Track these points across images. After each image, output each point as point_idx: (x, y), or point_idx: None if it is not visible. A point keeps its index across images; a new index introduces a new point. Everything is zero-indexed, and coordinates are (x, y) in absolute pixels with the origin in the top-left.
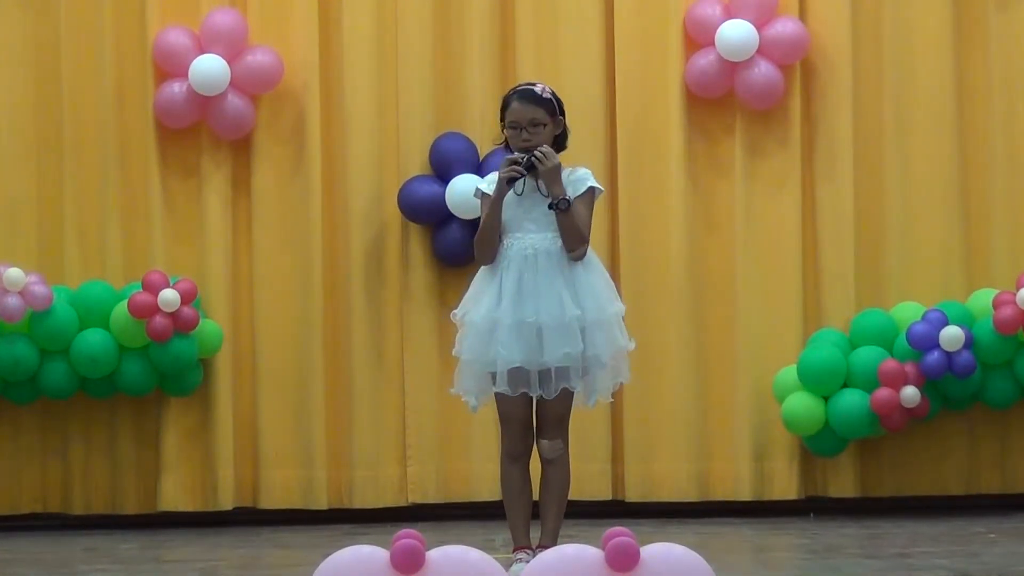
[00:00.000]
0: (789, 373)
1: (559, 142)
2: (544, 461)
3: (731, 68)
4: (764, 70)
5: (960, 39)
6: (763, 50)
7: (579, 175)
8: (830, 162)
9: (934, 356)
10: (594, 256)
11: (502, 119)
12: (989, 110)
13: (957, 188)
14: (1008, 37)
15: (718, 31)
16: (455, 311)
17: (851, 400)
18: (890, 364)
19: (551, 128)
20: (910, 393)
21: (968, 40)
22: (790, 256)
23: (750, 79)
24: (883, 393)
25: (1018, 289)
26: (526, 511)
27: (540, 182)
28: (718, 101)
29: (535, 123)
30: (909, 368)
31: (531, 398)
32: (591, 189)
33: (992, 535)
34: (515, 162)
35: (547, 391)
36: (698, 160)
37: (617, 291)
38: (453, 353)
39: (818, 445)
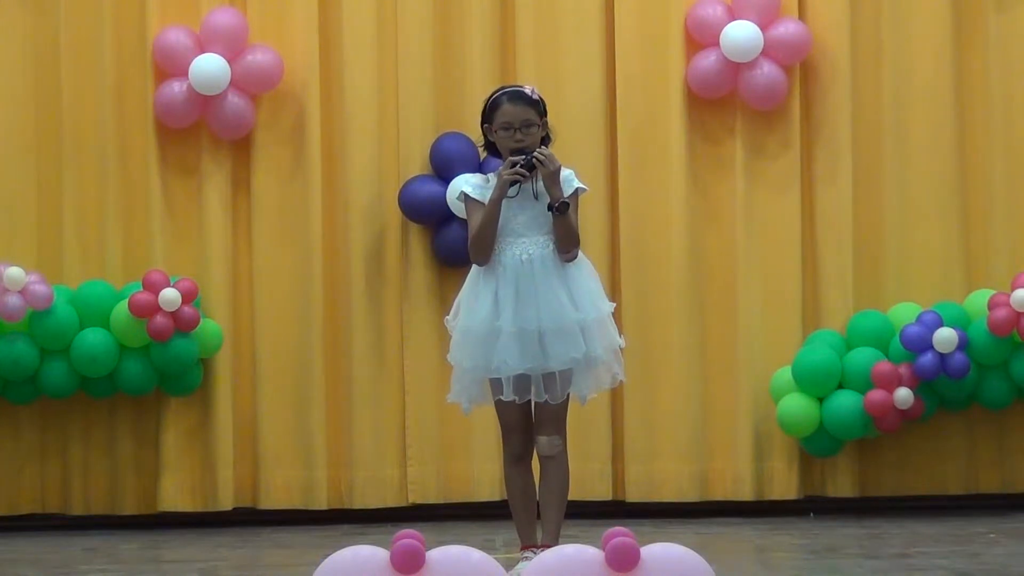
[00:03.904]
0: (785, 374)
1: (543, 144)
2: (542, 458)
3: (735, 69)
4: (768, 71)
5: (959, 40)
6: (767, 51)
7: (564, 176)
8: (830, 163)
9: (928, 358)
10: (582, 255)
11: (487, 121)
12: (988, 111)
13: (956, 189)
14: (1008, 38)
15: (723, 32)
16: (448, 316)
17: (845, 401)
18: (884, 366)
19: (540, 129)
20: (903, 395)
21: (967, 41)
22: (790, 257)
23: (754, 80)
24: (876, 395)
25: (1013, 290)
26: (531, 511)
27: (535, 185)
28: (720, 102)
29: (528, 123)
30: (903, 370)
31: (529, 400)
32: (576, 190)
33: (992, 535)
34: (517, 163)
35: (553, 396)
36: (699, 160)
37: (613, 290)
38: (448, 359)
39: (814, 446)
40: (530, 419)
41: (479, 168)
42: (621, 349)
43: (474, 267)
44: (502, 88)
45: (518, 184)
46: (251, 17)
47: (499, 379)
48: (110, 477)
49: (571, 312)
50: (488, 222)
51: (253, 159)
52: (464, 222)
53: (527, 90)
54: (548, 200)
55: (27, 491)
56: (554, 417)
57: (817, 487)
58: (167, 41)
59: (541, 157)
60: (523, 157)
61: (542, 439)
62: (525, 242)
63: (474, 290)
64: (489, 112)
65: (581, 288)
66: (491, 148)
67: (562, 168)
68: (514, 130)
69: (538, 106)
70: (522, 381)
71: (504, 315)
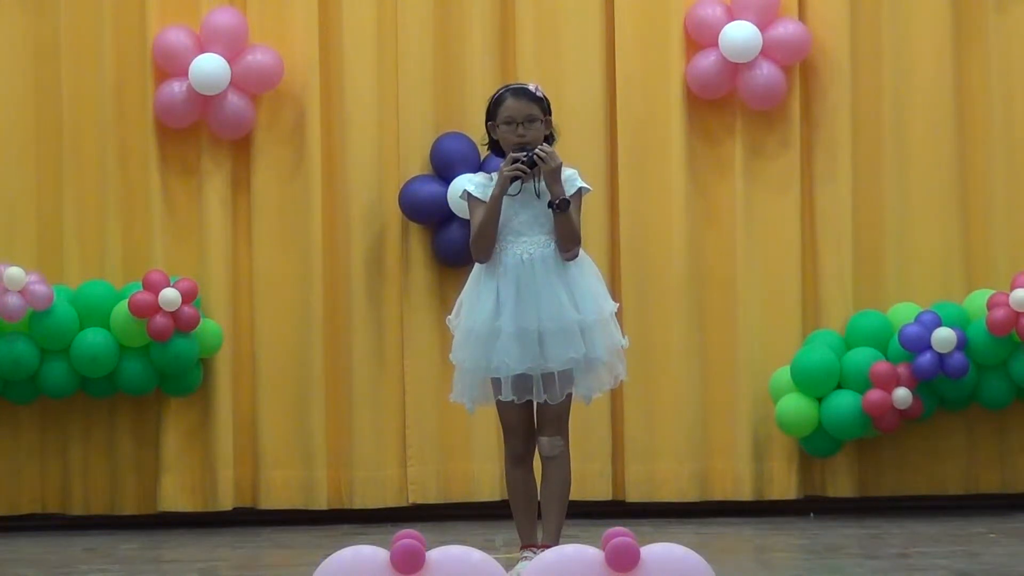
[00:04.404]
0: (785, 374)
1: (546, 143)
2: (544, 459)
3: (734, 69)
4: (767, 71)
5: (960, 40)
6: (766, 51)
7: (567, 175)
8: (830, 163)
9: (926, 358)
10: (585, 255)
11: (491, 118)
12: (988, 111)
13: (956, 189)
14: (1007, 37)
15: (722, 32)
16: (450, 316)
17: (843, 401)
18: (882, 366)
19: (543, 127)
20: (902, 395)
21: (968, 41)
22: (790, 257)
23: (753, 80)
24: (875, 395)
25: (1012, 290)
26: (532, 511)
27: (537, 184)
28: (719, 102)
29: (531, 119)
30: (901, 370)
31: (531, 401)
32: (579, 190)
33: (992, 535)
34: (518, 159)
35: (552, 396)
36: (699, 161)
37: (613, 290)
38: (450, 359)
39: (813, 446)
40: (531, 420)
41: (479, 168)
42: (623, 349)
43: (476, 266)
44: (507, 86)
45: (519, 181)
46: (251, 17)
47: (499, 379)
48: (110, 477)
49: (571, 313)
50: (489, 219)
51: (253, 159)
52: (465, 222)
53: (531, 87)
54: (549, 198)
55: (27, 491)
56: (556, 418)
57: (817, 487)
58: (167, 41)
59: (542, 154)
60: (524, 154)
61: (543, 440)
62: (526, 241)
63: (476, 289)
64: (493, 108)
65: (582, 288)
66: (495, 147)
67: (566, 168)
68: (516, 124)
69: (542, 103)
70: (522, 381)
71: (504, 315)
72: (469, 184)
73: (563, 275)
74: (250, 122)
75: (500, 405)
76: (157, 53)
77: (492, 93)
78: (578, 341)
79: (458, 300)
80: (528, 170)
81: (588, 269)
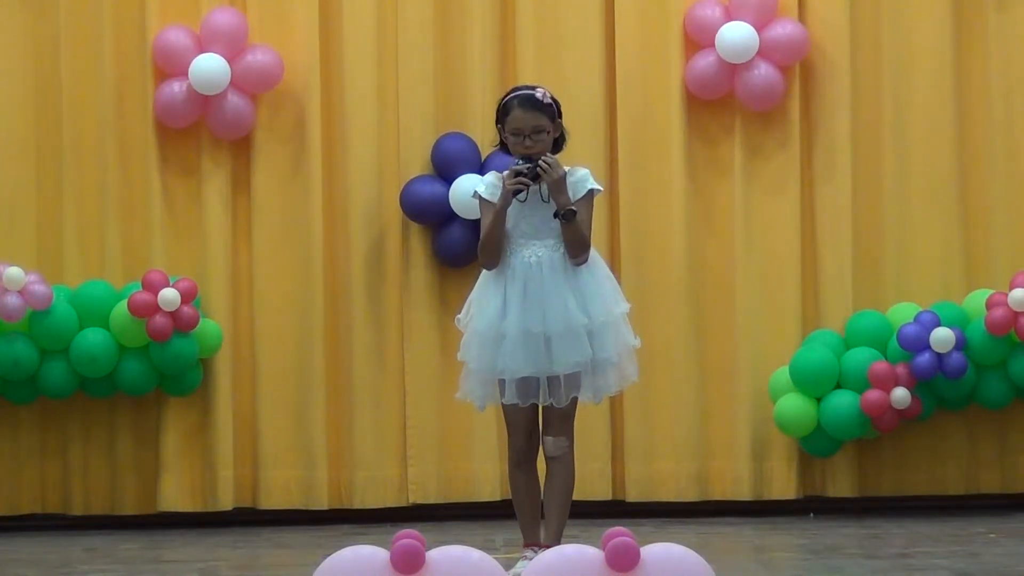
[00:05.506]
0: (784, 374)
1: (557, 144)
2: (548, 459)
3: (731, 70)
4: (764, 72)
5: (960, 40)
6: (763, 52)
7: (579, 176)
8: (829, 163)
9: (924, 357)
10: (597, 256)
11: (499, 123)
12: (988, 111)
13: (956, 189)
14: (1008, 37)
15: (719, 33)
16: (459, 315)
17: (842, 401)
18: (880, 366)
19: (551, 133)
20: (900, 394)
21: (968, 41)
22: (789, 257)
23: (750, 81)
24: (873, 395)
25: (1011, 290)
26: (534, 511)
27: (544, 189)
28: (718, 102)
29: (538, 130)
30: (900, 370)
31: (536, 404)
32: (590, 191)
33: (992, 535)
34: (520, 172)
35: (557, 399)
36: (698, 161)
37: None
38: (458, 357)
39: (813, 446)
40: (535, 422)
41: (480, 167)
42: (635, 349)
43: None
44: (515, 90)
45: (525, 189)
46: (251, 17)
47: (503, 381)
48: (110, 477)
49: (578, 316)
50: (493, 229)
51: (253, 159)
52: (466, 222)
53: (539, 94)
54: (556, 206)
55: (27, 491)
56: (561, 419)
57: (817, 487)
58: (167, 41)
59: (545, 166)
60: (527, 165)
61: (548, 440)
62: (535, 245)
63: (485, 291)
64: (501, 115)
65: (591, 291)
66: (505, 147)
67: (579, 167)
68: (524, 136)
69: (550, 109)
70: (527, 384)
71: (510, 318)
72: (480, 184)
73: (571, 279)
74: (250, 122)
75: (505, 405)
76: (157, 53)
77: (496, 94)
78: (584, 345)
79: (468, 299)
80: (530, 182)
81: (599, 271)
